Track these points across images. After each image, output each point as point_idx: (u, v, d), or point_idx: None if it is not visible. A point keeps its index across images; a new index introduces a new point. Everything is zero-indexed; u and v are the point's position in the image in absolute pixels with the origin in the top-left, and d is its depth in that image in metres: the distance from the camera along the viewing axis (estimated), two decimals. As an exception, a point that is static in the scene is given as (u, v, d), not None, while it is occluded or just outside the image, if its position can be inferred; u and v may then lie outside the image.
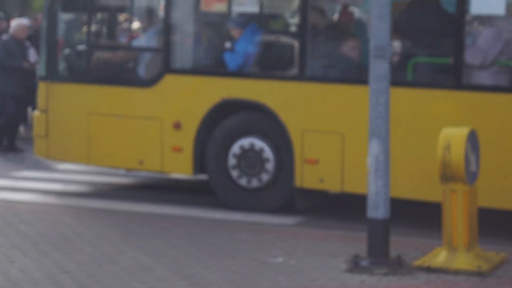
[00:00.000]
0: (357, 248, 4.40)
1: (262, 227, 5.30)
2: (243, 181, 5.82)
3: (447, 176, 4.10)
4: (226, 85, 5.88)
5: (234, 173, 5.84)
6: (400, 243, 4.60)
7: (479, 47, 5.31)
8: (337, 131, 5.52)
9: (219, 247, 4.59)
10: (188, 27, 6.28)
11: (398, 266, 4.12)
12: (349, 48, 5.79)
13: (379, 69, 4.15)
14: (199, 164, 6.01)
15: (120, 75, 6.52)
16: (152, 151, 6.12)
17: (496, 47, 5.23)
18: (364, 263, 4.13)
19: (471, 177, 4.18)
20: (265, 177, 5.77)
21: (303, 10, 5.74)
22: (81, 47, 6.59)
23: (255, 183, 5.80)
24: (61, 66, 6.53)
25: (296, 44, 5.75)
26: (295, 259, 4.33)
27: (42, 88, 6.50)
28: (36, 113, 6.71)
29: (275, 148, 5.76)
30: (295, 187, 5.67)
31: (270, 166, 5.73)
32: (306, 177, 5.60)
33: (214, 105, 5.86)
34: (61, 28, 6.54)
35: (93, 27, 6.56)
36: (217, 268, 4.10)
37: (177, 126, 5.97)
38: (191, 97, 6.03)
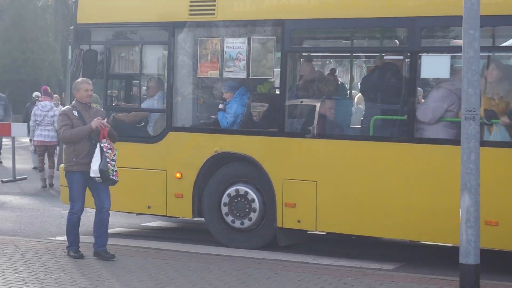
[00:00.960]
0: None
1: (364, 271, 5.90)
2: (233, 223, 6.83)
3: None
4: (218, 140, 6.95)
5: (225, 216, 6.86)
6: (490, 286, 5.23)
7: (428, 106, 6.28)
8: (311, 179, 6.51)
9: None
10: (187, 92, 7.45)
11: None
12: (325, 108, 6.81)
13: (469, 129, 4.69)
14: (198, 209, 7.05)
15: (132, 132, 7.67)
16: (158, 197, 7.20)
17: (443, 106, 6.18)
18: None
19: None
20: (253, 218, 6.76)
21: (283, 75, 6.84)
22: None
23: (244, 224, 6.79)
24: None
25: (277, 105, 6.83)
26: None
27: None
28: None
29: (260, 194, 6.78)
30: (278, 227, 6.65)
31: (256, 209, 6.73)
32: (285, 219, 6.59)
33: (209, 157, 6.93)
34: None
35: (109, 92, 7.79)
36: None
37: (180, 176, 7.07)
38: (190, 151, 7.11)
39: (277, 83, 7.27)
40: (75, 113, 5.90)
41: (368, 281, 5.39)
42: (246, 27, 6.96)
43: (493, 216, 5.61)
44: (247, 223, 6.78)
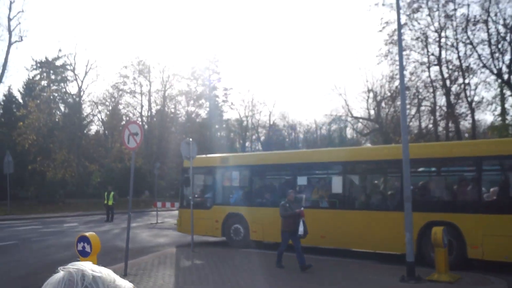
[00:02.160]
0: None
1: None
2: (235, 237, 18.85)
3: (436, 244, 11.49)
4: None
5: (232, 234, 18.89)
6: (420, 271, 13.01)
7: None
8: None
9: None
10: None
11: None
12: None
13: (407, 207, 11.52)
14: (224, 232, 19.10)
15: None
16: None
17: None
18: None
19: (444, 245, 11.53)
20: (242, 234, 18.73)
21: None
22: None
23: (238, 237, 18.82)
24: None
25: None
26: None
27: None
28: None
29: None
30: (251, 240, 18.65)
31: (242, 231, 18.73)
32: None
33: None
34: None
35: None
36: None
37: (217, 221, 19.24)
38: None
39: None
40: (287, 204, 13.21)
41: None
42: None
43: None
44: (241, 236, 18.98)
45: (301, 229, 12.55)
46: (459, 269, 12.48)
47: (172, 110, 63.87)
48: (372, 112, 48.01)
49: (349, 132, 76.42)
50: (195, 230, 17.65)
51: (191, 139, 17.38)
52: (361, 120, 51.25)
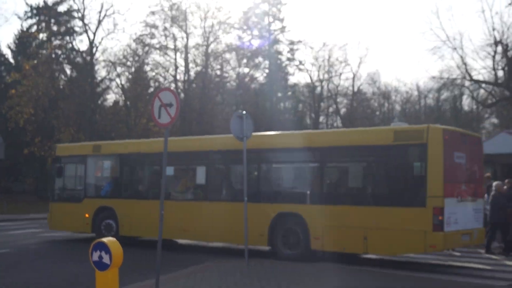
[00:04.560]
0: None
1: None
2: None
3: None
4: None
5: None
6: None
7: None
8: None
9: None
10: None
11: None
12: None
13: None
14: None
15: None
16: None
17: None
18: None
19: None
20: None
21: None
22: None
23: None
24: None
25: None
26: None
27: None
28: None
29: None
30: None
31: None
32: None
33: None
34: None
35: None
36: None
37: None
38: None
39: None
40: None
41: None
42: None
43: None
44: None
45: None
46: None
47: (218, 73, 63.33)
48: (500, 73, 46.62)
49: (466, 102, 74.93)
50: (64, 226, 24.02)
51: (244, 112, 17.11)
52: (484, 85, 49.99)
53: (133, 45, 61.36)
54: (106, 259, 8.85)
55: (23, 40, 64.44)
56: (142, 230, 21.59)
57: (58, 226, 24.23)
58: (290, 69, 72.32)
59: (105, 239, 9.02)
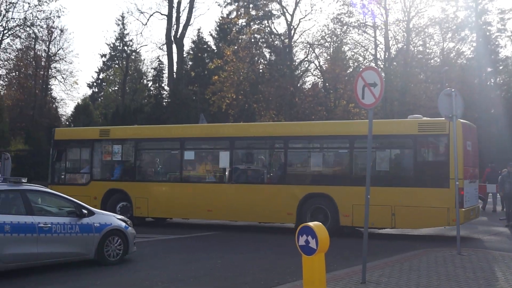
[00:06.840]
0: None
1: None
2: None
3: None
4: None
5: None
6: None
7: None
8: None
9: None
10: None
11: None
12: None
13: None
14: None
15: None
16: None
17: None
18: None
19: None
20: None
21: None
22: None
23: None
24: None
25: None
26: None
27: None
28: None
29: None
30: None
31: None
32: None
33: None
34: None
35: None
36: None
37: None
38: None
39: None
40: None
41: None
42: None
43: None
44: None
45: None
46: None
47: (420, 49, 61.38)
48: None
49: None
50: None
51: (453, 90, 16.41)
52: None
53: (331, 25, 61.42)
54: (312, 243, 8.93)
55: (224, 26, 66.86)
56: (159, 211, 23.62)
57: None
58: (501, 41, 68.25)
59: (311, 224, 9.09)
